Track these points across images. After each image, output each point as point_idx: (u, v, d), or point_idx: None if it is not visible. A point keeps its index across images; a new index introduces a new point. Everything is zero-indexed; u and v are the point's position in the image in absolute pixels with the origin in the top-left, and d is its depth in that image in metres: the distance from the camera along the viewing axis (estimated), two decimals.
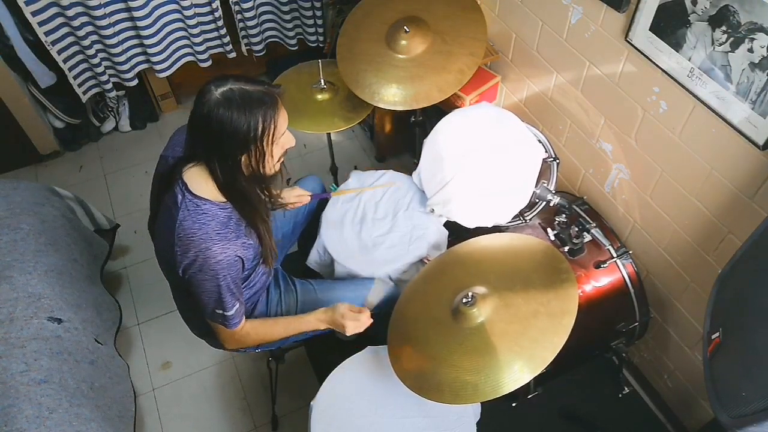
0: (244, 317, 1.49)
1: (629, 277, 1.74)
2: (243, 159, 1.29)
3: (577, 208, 1.83)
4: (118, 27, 2.59)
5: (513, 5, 2.00)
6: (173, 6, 2.62)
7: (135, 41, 2.69)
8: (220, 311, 1.40)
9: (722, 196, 1.49)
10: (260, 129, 1.25)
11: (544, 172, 1.82)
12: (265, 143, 1.28)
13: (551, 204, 1.82)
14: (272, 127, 1.27)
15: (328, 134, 2.39)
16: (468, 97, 2.12)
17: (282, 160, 1.41)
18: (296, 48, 3.07)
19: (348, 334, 1.52)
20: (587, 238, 1.75)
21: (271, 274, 1.67)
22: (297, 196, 1.80)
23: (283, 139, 1.34)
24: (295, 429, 2.11)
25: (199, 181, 1.34)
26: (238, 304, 1.43)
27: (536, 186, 1.81)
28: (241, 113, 1.23)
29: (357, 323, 1.51)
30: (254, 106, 1.24)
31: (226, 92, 1.23)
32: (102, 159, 3.02)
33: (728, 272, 1.26)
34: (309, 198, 1.83)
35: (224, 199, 1.36)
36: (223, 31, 2.79)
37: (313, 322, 1.55)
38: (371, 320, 1.54)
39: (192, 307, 1.51)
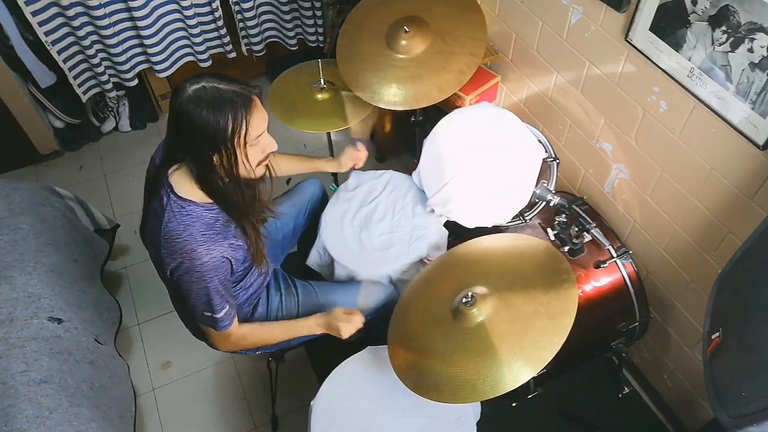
0: (235, 319, 1.48)
1: (629, 277, 1.74)
2: (215, 159, 1.27)
3: (577, 208, 1.83)
4: (118, 27, 2.59)
5: (513, 5, 2.00)
6: (173, 6, 2.62)
7: (135, 41, 2.69)
8: (209, 313, 1.40)
9: (722, 196, 1.49)
10: (229, 129, 1.23)
11: (544, 172, 1.82)
12: (235, 144, 1.25)
13: (551, 204, 1.82)
14: (243, 128, 1.24)
15: (328, 134, 2.39)
16: (468, 97, 2.12)
17: (265, 163, 1.38)
18: (296, 48, 3.07)
19: (344, 337, 1.54)
20: (587, 238, 1.75)
21: (268, 275, 1.67)
22: (350, 158, 1.91)
23: (261, 141, 1.31)
24: (295, 429, 2.11)
25: (184, 183, 1.34)
26: (227, 306, 1.42)
27: (536, 186, 1.81)
28: (210, 112, 1.21)
29: (350, 325, 1.53)
30: (223, 106, 1.21)
31: (198, 90, 1.22)
32: (102, 159, 3.02)
33: (728, 272, 1.26)
34: (365, 154, 1.94)
35: (210, 201, 1.36)
36: (223, 31, 2.79)
37: (311, 326, 1.56)
38: (363, 320, 1.56)
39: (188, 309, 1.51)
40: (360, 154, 1.94)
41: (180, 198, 1.33)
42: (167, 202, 1.32)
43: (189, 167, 1.31)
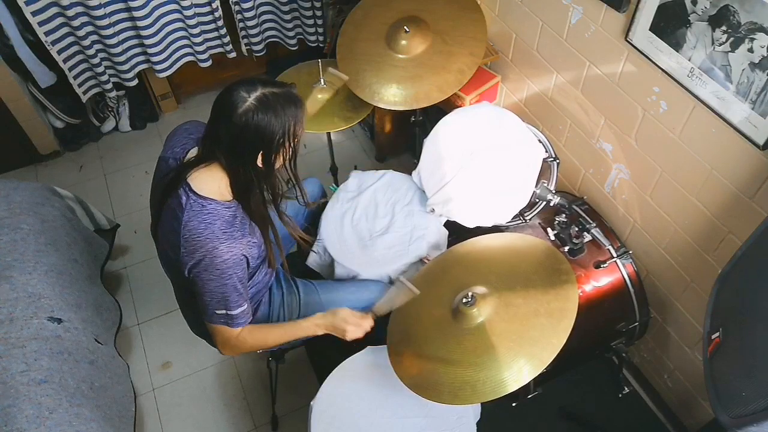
0: (250, 318, 1.49)
1: (629, 277, 1.74)
2: (278, 158, 1.33)
3: (577, 208, 1.83)
4: (118, 27, 2.59)
5: (513, 5, 2.00)
6: (173, 6, 2.62)
7: (135, 41, 2.69)
8: (223, 311, 1.40)
9: (722, 196, 1.49)
10: (294, 127, 1.30)
11: (544, 172, 1.82)
12: (296, 140, 1.33)
13: (551, 204, 1.82)
14: (301, 122, 1.32)
15: (328, 134, 2.39)
16: (468, 97, 2.12)
17: None
18: (296, 48, 3.07)
19: (348, 339, 1.53)
20: (587, 238, 1.75)
21: (272, 274, 1.67)
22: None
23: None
24: (295, 429, 2.11)
25: (204, 181, 1.34)
26: (246, 305, 1.43)
27: (536, 186, 1.81)
28: (279, 116, 1.26)
29: (358, 329, 1.52)
30: (287, 107, 1.28)
31: (260, 98, 1.25)
32: (102, 159, 3.02)
33: (728, 272, 1.26)
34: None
35: (229, 198, 1.38)
36: (223, 31, 2.79)
37: (311, 327, 1.55)
38: (372, 324, 1.55)
39: (195, 308, 1.51)
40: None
41: (199, 196, 1.34)
42: (186, 201, 1.33)
43: (235, 172, 1.33)
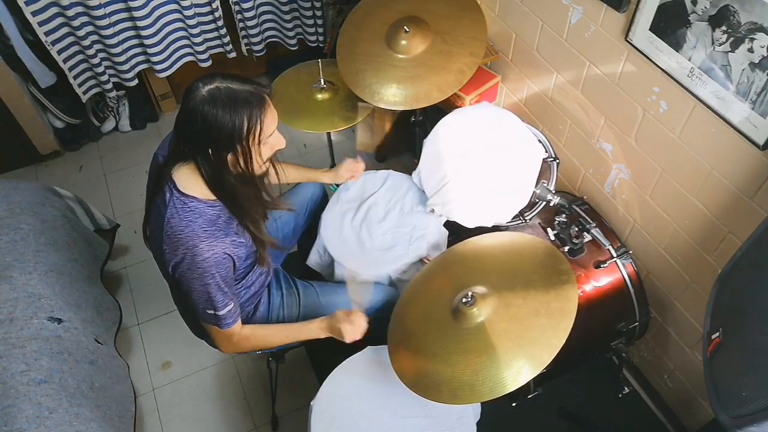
0: (239, 319, 1.48)
1: (629, 277, 1.74)
2: (229, 158, 1.29)
3: (577, 208, 1.83)
4: (118, 27, 2.59)
5: (513, 5, 2.00)
6: (173, 6, 2.62)
7: (135, 41, 2.69)
8: (212, 311, 1.40)
9: (722, 196, 1.49)
10: (245, 129, 1.25)
11: (544, 172, 1.82)
12: (251, 143, 1.28)
13: (551, 204, 1.82)
14: (258, 127, 1.26)
15: (328, 134, 2.39)
16: (468, 97, 2.12)
17: (271, 160, 1.40)
18: (296, 48, 3.07)
19: (347, 341, 1.52)
20: (587, 238, 1.75)
21: (270, 274, 1.67)
22: (348, 170, 1.94)
23: (272, 139, 1.33)
24: (295, 429, 2.11)
25: (188, 179, 1.34)
26: (231, 304, 1.42)
27: (536, 186, 1.81)
28: (226, 112, 1.22)
29: (353, 327, 1.50)
30: (239, 106, 1.23)
31: (212, 90, 1.22)
32: (102, 159, 3.02)
33: (728, 272, 1.26)
34: (362, 167, 1.98)
35: (213, 197, 1.36)
36: (223, 31, 2.79)
37: (315, 330, 1.55)
38: (367, 322, 1.53)
39: (190, 308, 1.51)
40: (358, 166, 1.97)
41: (183, 194, 1.33)
42: (170, 198, 1.33)
43: (198, 166, 1.31)
